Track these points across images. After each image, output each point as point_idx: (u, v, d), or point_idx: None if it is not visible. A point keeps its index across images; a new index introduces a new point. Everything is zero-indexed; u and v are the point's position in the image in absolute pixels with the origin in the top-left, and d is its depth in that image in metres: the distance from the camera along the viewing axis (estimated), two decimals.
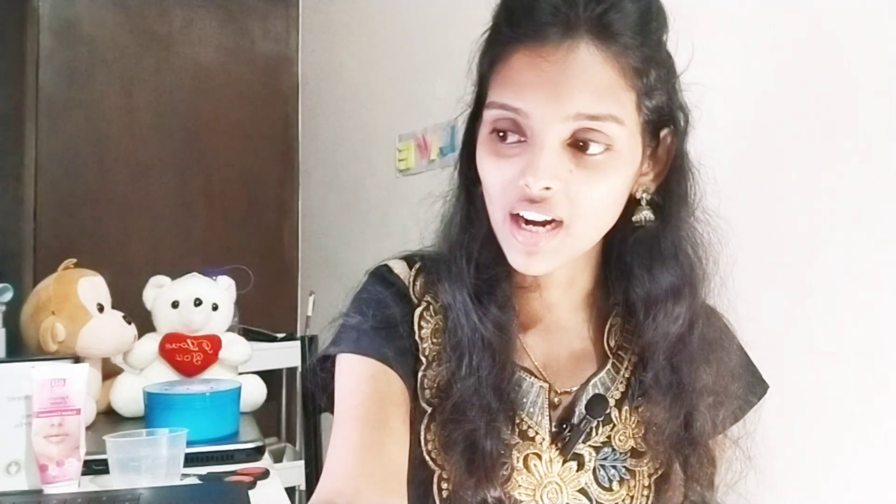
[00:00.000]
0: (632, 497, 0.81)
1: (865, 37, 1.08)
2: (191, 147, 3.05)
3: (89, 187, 2.89)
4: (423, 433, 0.80)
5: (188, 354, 1.52)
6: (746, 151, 1.23)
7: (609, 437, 0.82)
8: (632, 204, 0.79)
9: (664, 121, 0.77)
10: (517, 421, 0.80)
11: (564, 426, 0.81)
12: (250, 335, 2.11)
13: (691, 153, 0.80)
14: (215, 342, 1.54)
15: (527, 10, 0.72)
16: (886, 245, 1.05)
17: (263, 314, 2.83)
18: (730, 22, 1.26)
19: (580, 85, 0.70)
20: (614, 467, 0.82)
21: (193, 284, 1.57)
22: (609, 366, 0.84)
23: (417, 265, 0.86)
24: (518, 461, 0.80)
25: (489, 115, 0.75)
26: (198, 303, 1.54)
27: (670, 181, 0.79)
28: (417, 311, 0.83)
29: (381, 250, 0.91)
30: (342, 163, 2.87)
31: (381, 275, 0.86)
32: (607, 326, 0.86)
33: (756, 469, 0.84)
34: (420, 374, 0.81)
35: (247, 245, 3.09)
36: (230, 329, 1.63)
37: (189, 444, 1.13)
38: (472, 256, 0.80)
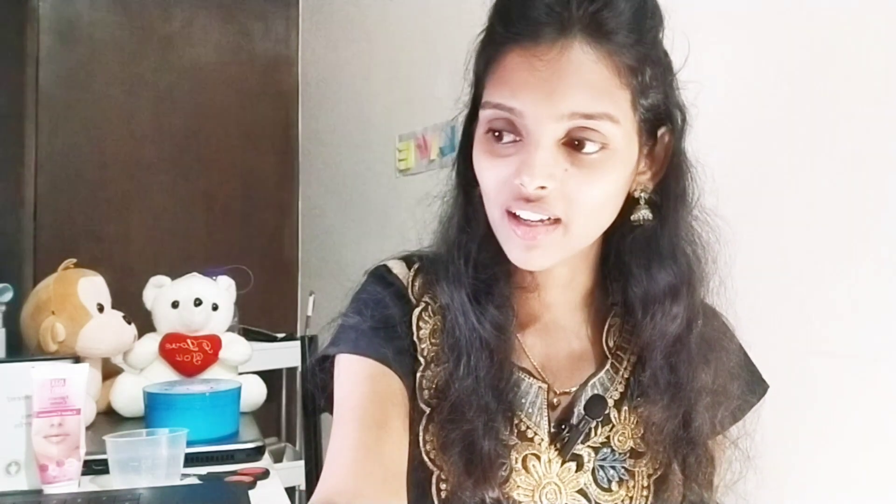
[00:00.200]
0: (631, 497, 0.81)
1: (864, 34, 1.08)
2: (191, 147, 3.05)
3: (89, 187, 2.89)
4: (421, 434, 0.80)
5: (188, 354, 1.52)
6: (745, 150, 1.23)
7: (608, 437, 0.82)
8: (630, 203, 0.79)
9: (661, 119, 0.77)
10: (516, 421, 0.80)
11: (563, 427, 0.81)
12: (250, 335, 2.11)
13: (689, 151, 0.80)
14: (215, 342, 1.54)
15: (521, 10, 0.72)
16: (886, 244, 1.05)
17: (263, 314, 2.84)
18: (727, 19, 1.26)
19: (574, 84, 0.70)
20: (613, 468, 0.82)
21: (193, 284, 1.57)
22: (608, 366, 0.84)
23: (416, 265, 0.86)
24: (517, 462, 0.80)
25: (485, 114, 0.75)
26: (198, 303, 1.54)
27: (668, 180, 0.79)
28: (416, 312, 0.83)
29: (380, 250, 0.91)
30: (342, 163, 2.87)
31: (380, 275, 0.86)
32: (606, 326, 0.86)
33: (755, 469, 0.84)
34: (419, 374, 0.81)
35: (247, 245, 3.09)
36: (230, 329, 1.63)
37: (189, 444, 1.13)
38: (470, 257, 0.80)
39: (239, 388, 1.40)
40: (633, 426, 0.83)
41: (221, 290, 1.60)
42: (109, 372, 1.55)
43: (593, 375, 0.84)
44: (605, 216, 0.77)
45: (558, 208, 0.72)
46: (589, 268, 0.84)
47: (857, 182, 1.08)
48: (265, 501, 1.10)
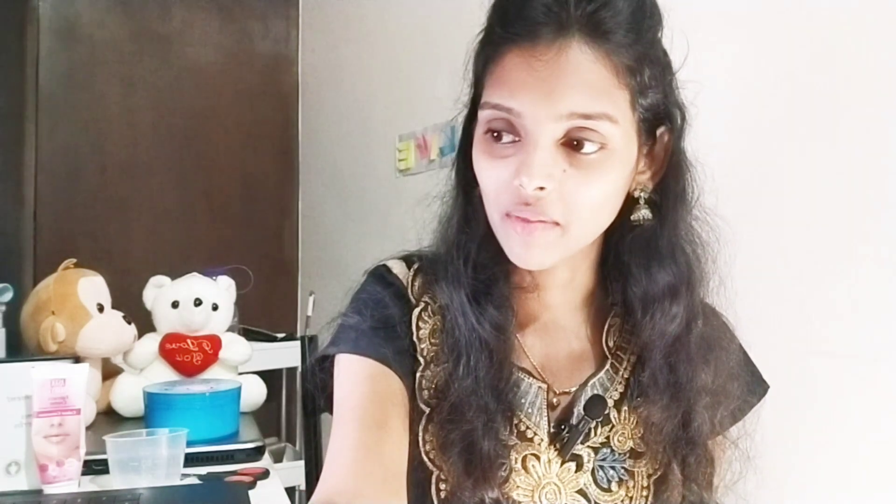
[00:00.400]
0: (630, 498, 0.81)
1: (864, 34, 1.08)
2: (191, 147, 3.05)
3: (89, 187, 2.89)
4: (421, 434, 0.80)
5: (188, 354, 1.52)
6: (745, 149, 1.23)
7: (608, 437, 0.82)
8: (630, 203, 0.79)
9: (660, 119, 0.77)
10: (515, 422, 0.80)
11: (563, 427, 0.81)
12: (250, 335, 2.10)
13: (688, 151, 0.80)
14: (215, 342, 1.54)
15: (519, 10, 0.72)
16: (886, 244, 1.05)
17: (263, 314, 2.84)
18: (726, 18, 1.26)
19: (573, 84, 0.70)
20: (613, 468, 0.82)
21: (193, 284, 1.57)
22: (608, 366, 0.84)
23: (416, 265, 0.86)
24: (516, 462, 0.80)
25: (483, 115, 0.75)
26: (198, 303, 1.54)
27: (668, 179, 0.79)
28: (416, 312, 0.83)
29: (380, 250, 0.91)
30: (342, 163, 2.87)
31: (380, 275, 0.86)
32: (606, 326, 0.86)
33: (755, 469, 0.84)
34: (418, 374, 0.81)
35: (247, 245, 3.09)
36: (230, 329, 1.63)
37: (189, 444, 1.13)
38: (469, 257, 0.80)
39: (239, 388, 1.40)
40: (632, 426, 0.83)
41: (221, 290, 1.60)
42: (109, 372, 1.55)
43: (593, 375, 0.84)
44: (605, 216, 0.77)
45: (557, 210, 0.72)
46: (589, 268, 0.84)
47: (857, 182, 1.08)
48: (265, 501, 1.10)
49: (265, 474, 1.19)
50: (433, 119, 2.13)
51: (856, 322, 1.08)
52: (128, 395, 1.46)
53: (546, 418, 0.82)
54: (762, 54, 1.22)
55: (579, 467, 0.81)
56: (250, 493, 1.09)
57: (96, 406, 1.43)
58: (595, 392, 0.83)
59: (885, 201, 1.05)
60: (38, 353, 1.42)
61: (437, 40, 2.16)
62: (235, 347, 1.58)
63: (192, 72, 3.06)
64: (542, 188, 0.71)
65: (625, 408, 0.83)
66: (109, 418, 1.47)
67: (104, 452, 1.07)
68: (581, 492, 0.80)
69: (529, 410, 0.81)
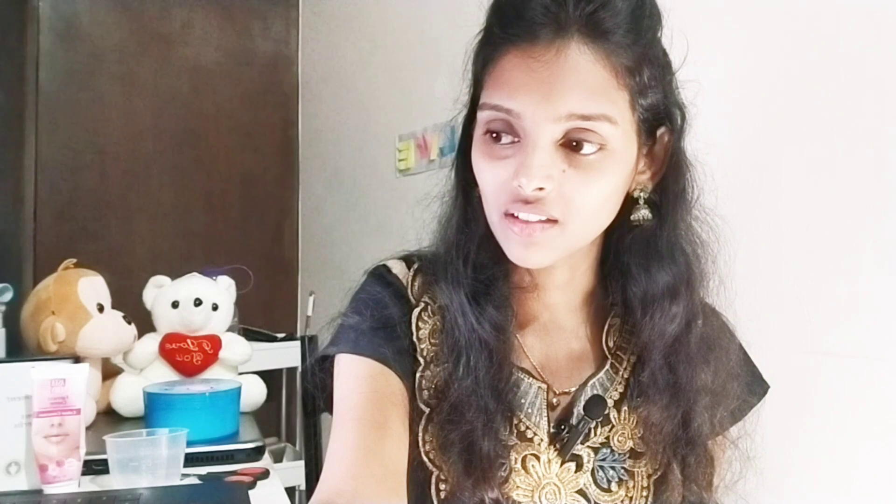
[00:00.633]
0: (630, 498, 0.81)
1: (863, 32, 1.08)
2: (191, 147, 3.05)
3: (89, 187, 2.89)
4: (420, 434, 0.80)
5: (188, 354, 1.52)
6: (744, 149, 1.23)
7: (608, 437, 0.82)
8: (629, 203, 0.79)
9: (660, 119, 0.77)
10: (515, 422, 0.80)
11: (563, 427, 0.81)
12: (250, 335, 2.11)
13: (688, 151, 0.80)
14: (215, 342, 1.54)
15: (517, 11, 0.72)
16: (886, 244, 1.05)
17: (263, 314, 2.84)
18: (725, 17, 1.26)
19: (571, 85, 0.70)
20: (613, 468, 0.82)
21: (193, 284, 1.57)
22: (608, 366, 0.84)
23: (416, 265, 0.86)
24: (516, 462, 0.80)
25: (482, 116, 0.75)
26: (198, 303, 1.54)
27: (667, 179, 0.79)
28: (415, 312, 0.83)
29: (380, 250, 0.91)
30: (342, 163, 2.87)
31: (380, 275, 0.86)
32: (606, 326, 0.86)
33: (755, 469, 0.84)
34: (418, 374, 0.81)
35: (247, 245, 3.09)
36: (230, 329, 1.63)
37: (189, 444, 1.13)
38: (469, 257, 0.80)
39: (239, 388, 1.40)
40: (632, 426, 0.83)
41: (221, 290, 1.60)
42: (109, 372, 1.55)
43: (593, 376, 0.84)
44: (604, 216, 0.77)
45: (556, 210, 0.72)
46: (588, 268, 0.84)
47: (856, 181, 1.08)
48: (265, 501, 1.10)
49: (265, 474, 1.19)
50: (433, 119, 2.13)
51: (856, 322, 1.08)
52: (128, 395, 1.46)
53: (546, 418, 0.82)
54: (762, 54, 1.22)
55: (579, 467, 0.81)
56: (250, 493, 1.09)
57: (96, 406, 1.43)
58: (595, 392, 0.83)
59: (885, 201, 1.05)
60: (38, 353, 1.42)
61: (438, 40, 2.16)
62: (235, 347, 1.58)
63: (192, 72, 3.06)
64: (541, 189, 0.71)
65: (625, 408, 0.83)
66: (109, 418, 1.47)
67: (104, 452, 1.07)
68: (581, 492, 0.80)
69: (529, 410, 0.81)
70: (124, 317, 1.51)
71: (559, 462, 0.81)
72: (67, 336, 1.42)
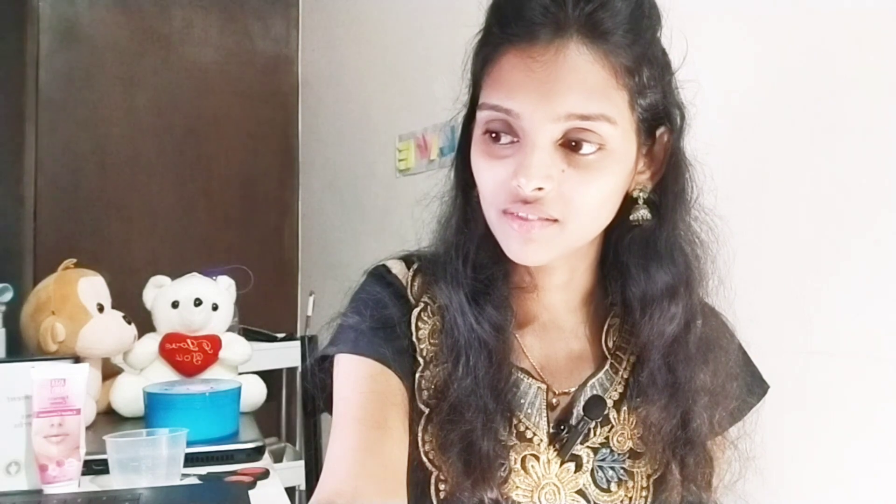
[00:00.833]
0: (630, 498, 0.81)
1: (864, 33, 1.08)
2: (191, 147, 3.05)
3: (89, 187, 2.89)
4: (420, 434, 0.80)
5: (188, 354, 1.52)
6: (744, 149, 1.23)
7: (607, 438, 0.82)
8: (629, 203, 0.79)
9: (659, 119, 0.77)
10: (515, 422, 0.80)
11: (562, 427, 0.81)
12: (250, 335, 2.10)
13: (688, 151, 0.80)
14: (215, 342, 1.54)
15: (517, 11, 0.72)
16: (886, 244, 1.05)
17: (263, 314, 2.83)
18: (725, 18, 1.26)
19: (570, 85, 0.70)
20: (612, 468, 0.82)
21: (193, 284, 1.57)
22: (607, 366, 0.84)
23: (415, 265, 0.86)
24: (515, 462, 0.80)
25: (482, 116, 0.75)
26: (198, 303, 1.54)
27: (667, 179, 0.79)
28: (415, 312, 0.83)
29: (380, 250, 0.91)
30: (342, 163, 2.87)
31: (380, 275, 0.86)
32: (605, 327, 0.86)
33: (756, 469, 0.84)
34: (418, 374, 0.81)
35: (247, 245, 3.09)
36: (230, 329, 1.63)
37: (189, 444, 1.13)
38: (468, 257, 0.80)
39: (239, 388, 1.40)
40: (632, 427, 0.83)
41: (221, 290, 1.60)
42: (109, 372, 1.55)
43: (592, 376, 0.84)
44: (603, 216, 0.77)
45: (555, 209, 0.72)
46: (588, 268, 0.84)
47: (856, 181, 1.08)
48: (265, 501, 1.10)
49: (265, 474, 1.19)
50: (433, 119, 2.13)
51: (856, 322, 1.08)
52: (128, 395, 1.46)
53: (545, 419, 0.82)
54: (762, 54, 1.22)
55: (578, 468, 0.81)
56: (250, 493, 1.09)
57: (96, 406, 1.44)
58: (594, 392, 0.83)
59: (885, 200, 1.05)
60: (38, 353, 1.42)
61: (437, 40, 2.16)
62: (235, 347, 1.58)
63: (192, 72, 3.06)
64: (540, 189, 0.71)
65: (624, 408, 0.83)
66: (109, 418, 1.47)
67: (104, 452, 1.07)
68: (580, 492, 0.80)
69: (529, 411, 0.81)
70: (124, 317, 1.51)
71: (558, 462, 0.81)
72: (67, 336, 1.42)
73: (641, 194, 0.79)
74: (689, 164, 0.79)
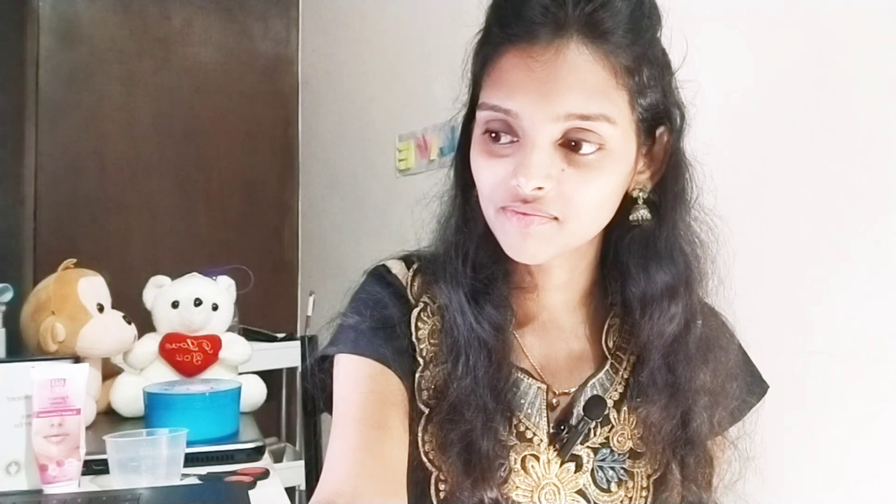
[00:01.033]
0: (630, 498, 0.81)
1: (864, 33, 1.08)
2: (191, 147, 3.05)
3: (89, 187, 2.89)
4: (420, 434, 0.80)
5: (188, 354, 1.52)
6: (744, 149, 1.23)
7: (607, 438, 0.82)
8: (628, 203, 0.79)
9: (659, 119, 0.77)
10: (515, 422, 0.80)
11: (562, 427, 0.81)
12: (250, 335, 2.10)
13: (687, 151, 0.80)
14: (215, 342, 1.54)
15: (516, 11, 0.72)
16: (886, 244, 1.05)
17: (263, 314, 2.83)
18: (725, 18, 1.26)
19: (570, 85, 0.70)
20: (612, 468, 0.82)
21: (193, 284, 1.57)
22: (608, 366, 0.84)
23: (415, 265, 0.86)
24: (516, 462, 0.80)
25: (481, 116, 0.75)
26: (198, 303, 1.54)
27: (667, 179, 0.79)
28: (415, 312, 0.83)
29: (380, 250, 0.91)
30: (342, 163, 2.87)
31: (380, 275, 0.86)
32: (605, 327, 0.86)
33: (756, 469, 0.84)
34: (417, 374, 0.81)
35: (247, 245, 3.09)
36: (230, 329, 1.63)
37: (189, 444, 1.13)
38: (468, 257, 0.80)
39: (239, 388, 1.40)
40: (632, 427, 0.83)
41: (221, 290, 1.60)
42: (109, 372, 1.55)
43: (592, 376, 0.84)
44: (603, 216, 0.77)
45: (555, 209, 0.72)
46: (587, 268, 0.84)
47: (856, 181, 1.08)
48: (265, 501, 1.10)
49: (265, 474, 1.19)
50: (433, 119, 2.13)
51: (856, 322, 1.08)
52: (128, 395, 1.46)
53: (545, 419, 0.82)
54: (762, 54, 1.22)
55: (579, 468, 0.81)
56: (250, 493, 1.09)
57: (96, 406, 1.44)
58: (594, 392, 0.83)
59: (885, 201, 1.05)
60: (38, 353, 1.42)
61: (437, 40, 2.16)
62: (235, 347, 1.58)
63: (192, 72, 3.06)
64: (539, 188, 0.71)
65: (624, 408, 0.83)
66: (109, 418, 1.47)
67: (104, 452, 1.07)
68: (580, 492, 0.80)
69: (529, 411, 0.81)
70: (124, 317, 1.51)
71: (559, 462, 0.81)
72: (67, 336, 1.42)
73: (641, 194, 0.79)
74: (688, 164, 0.79)
